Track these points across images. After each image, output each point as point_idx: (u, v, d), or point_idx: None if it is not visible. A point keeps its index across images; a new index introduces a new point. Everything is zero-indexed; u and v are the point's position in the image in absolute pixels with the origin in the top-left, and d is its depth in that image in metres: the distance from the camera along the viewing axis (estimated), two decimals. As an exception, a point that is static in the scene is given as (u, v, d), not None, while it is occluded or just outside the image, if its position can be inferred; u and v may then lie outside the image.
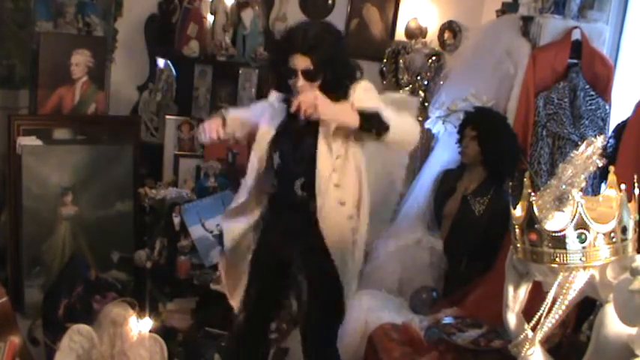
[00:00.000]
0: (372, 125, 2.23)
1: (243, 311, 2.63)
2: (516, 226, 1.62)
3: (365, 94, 2.36)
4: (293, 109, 2.22)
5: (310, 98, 2.20)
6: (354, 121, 2.22)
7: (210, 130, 2.46)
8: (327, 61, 2.30)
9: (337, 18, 4.35)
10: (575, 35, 3.19)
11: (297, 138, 2.43)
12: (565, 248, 1.54)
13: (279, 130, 2.46)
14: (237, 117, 2.57)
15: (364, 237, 2.52)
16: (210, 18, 4.03)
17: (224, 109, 2.63)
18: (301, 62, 2.29)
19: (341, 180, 2.38)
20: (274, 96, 2.56)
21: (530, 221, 1.57)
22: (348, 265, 2.46)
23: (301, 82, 2.32)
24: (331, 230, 2.40)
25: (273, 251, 2.57)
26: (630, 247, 1.59)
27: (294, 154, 2.45)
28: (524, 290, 1.74)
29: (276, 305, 2.76)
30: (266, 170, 2.50)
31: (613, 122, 3.10)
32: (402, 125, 2.28)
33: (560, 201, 1.59)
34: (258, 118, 2.55)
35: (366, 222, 2.50)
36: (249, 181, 2.53)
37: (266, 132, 2.48)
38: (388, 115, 2.24)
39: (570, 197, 1.56)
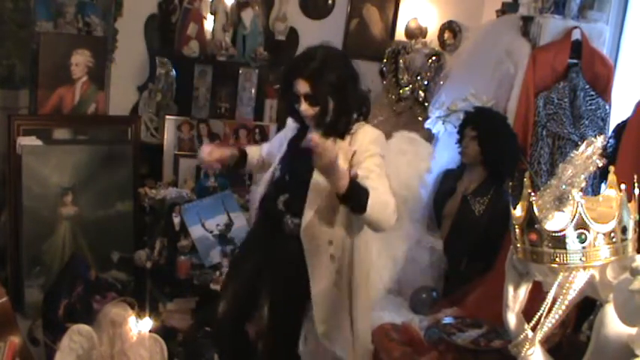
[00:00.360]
0: (350, 201, 2.17)
1: (221, 303, 2.64)
2: (516, 226, 1.62)
3: (369, 146, 2.32)
4: (306, 144, 2.14)
5: (330, 151, 2.08)
6: (340, 188, 2.12)
7: (205, 149, 2.58)
8: (329, 88, 2.29)
9: (337, 18, 4.35)
10: (575, 35, 3.19)
11: (297, 157, 2.44)
12: (565, 248, 1.54)
13: (287, 147, 2.52)
14: (264, 152, 2.73)
15: (363, 293, 2.47)
16: (210, 18, 4.03)
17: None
18: (302, 87, 2.30)
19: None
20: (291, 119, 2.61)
21: (530, 221, 1.57)
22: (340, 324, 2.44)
23: (303, 106, 2.33)
24: (313, 259, 2.38)
25: (249, 255, 2.61)
26: (630, 247, 1.59)
27: (290, 170, 2.48)
28: (524, 290, 1.74)
29: (252, 306, 2.72)
30: (269, 182, 2.56)
31: (613, 122, 3.10)
32: (378, 216, 2.20)
33: (560, 201, 1.59)
34: (277, 151, 2.61)
35: (363, 278, 2.46)
36: (260, 189, 2.60)
37: (280, 151, 2.57)
38: (374, 203, 2.16)
39: (570, 197, 1.56)
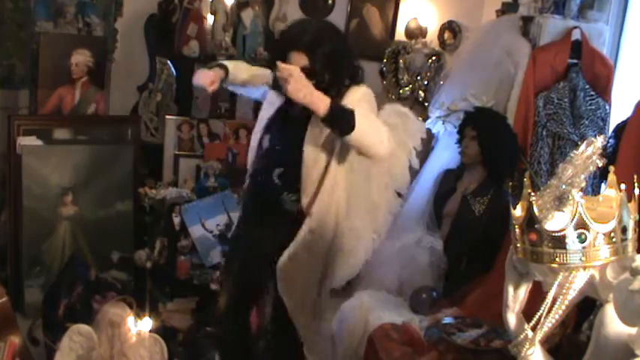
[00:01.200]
0: (336, 121, 2.14)
1: (221, 297, 2.62)
2: (516, 226, 1.62)
3: (360, 103, 2.29)
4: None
5: (288, 71, 2.12)
6: (322, 109, 2.11)
7: (206, 78, 2.43)
8: (325, 60, 2.26)
9: (337, 18, 4.35)
10: (575, 35, 3.19)
11: (288, 125, 2.40)
12: (565, 248, 1.54)
13: (275, 114, 2.45)
14: (241, 73, 2.57)
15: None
16: (210, 18, 4.02)
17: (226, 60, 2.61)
18: (299, 60, 2.26)
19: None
20: None
21: (530, 221, 1.57)
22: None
23: None
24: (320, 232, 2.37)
25: (243, 242, 2.55)
26: (630, 247, 1.59)
27: (281, 140, 2.41)
28: (524, 290, 1.74)
29: (255, 294, 2.70)
30: (258, 153, 2.50)
31: (613, 122, 3.10)
32: (370, 136, 2.18)
33: (560, 201, 1.59)
34: (263, 85, 2.54)
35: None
36: (249, 161, 2.54)
37: (265, 114, 2.47)
38: (362, 121, 2.13)
39: (570, 197, 1.56)
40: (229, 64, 2.59)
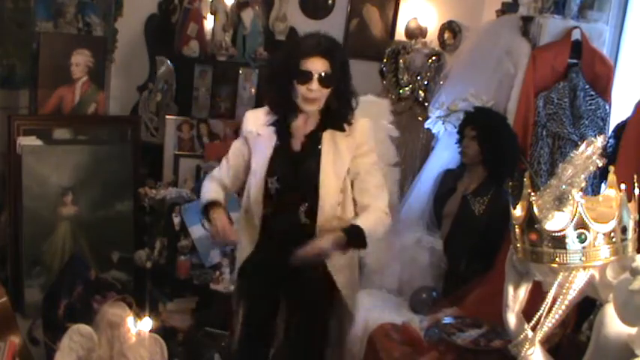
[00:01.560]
0: (352, 247, 2.32)
1: (238, 334, 2.62)
2: (516, 226, 1.62)
3: (369, 138, 2.41)
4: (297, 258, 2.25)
5: (317, 247, 2.26)
6: (340, 246, 2.27)
7: (225, 235, 2.42)
8: (340, 67, 2.29)
9: (337, 18, 4.35)
10: (575, 35, 3.19)
11: (297, 161, 2.37)
12: (565, 248, 1.54)
13: (273, 154, 2.38)
14: (228, 180, 2.51)
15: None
16: (210, 18, 4.03)
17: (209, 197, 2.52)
18: (319, 65, 2.25)
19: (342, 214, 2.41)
20: (255, 122, 2.44)
21: (530, 221, 1.57)
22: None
23: (315, 85, 2.25)
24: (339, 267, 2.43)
25: (264, 276, 2.49)
26: (630, 247, 1.59)
27: (295, 177, 2.36)
28: (524, 290, 1.74)
29: (271, 327, 2.67)
30: (266, 195, 2.41)
31: (613, 122, 3.10)
32: (380, 230, 2.35)
33: (560, 201, 1.59)
34: (246, 158, 2.47)
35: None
36: (254, 207, 2.45)
37: (262, 162, 2.39)
38: (370, 228, 2.28)
39: (570, 197, 1.56)
40: (211, 194, 2.51)
